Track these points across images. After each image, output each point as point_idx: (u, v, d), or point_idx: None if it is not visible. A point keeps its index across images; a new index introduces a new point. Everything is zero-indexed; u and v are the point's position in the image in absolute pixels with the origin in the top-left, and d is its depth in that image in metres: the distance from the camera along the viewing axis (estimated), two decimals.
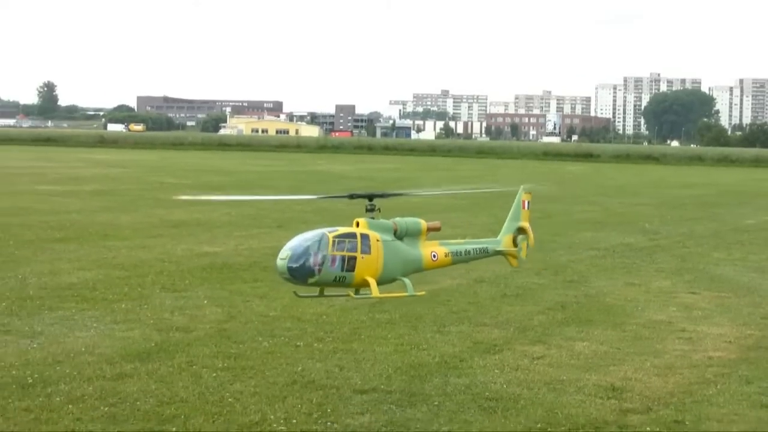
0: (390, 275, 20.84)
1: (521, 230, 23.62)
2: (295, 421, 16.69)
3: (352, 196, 21.25)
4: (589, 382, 19.83)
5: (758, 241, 46.61)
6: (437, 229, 22.10)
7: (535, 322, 25.75)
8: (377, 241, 20.32)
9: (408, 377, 19.77)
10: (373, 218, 20.38)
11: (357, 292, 20.67)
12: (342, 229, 20.22)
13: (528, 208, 23.36)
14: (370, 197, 20.98)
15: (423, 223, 21.46)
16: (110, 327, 23.49)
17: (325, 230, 20.11)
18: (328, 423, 16.67)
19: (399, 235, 20.51)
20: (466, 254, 22.86)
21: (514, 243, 23.38)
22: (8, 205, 53.16)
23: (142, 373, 19.41)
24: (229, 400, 17.78)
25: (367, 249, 20.17)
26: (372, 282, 20.06)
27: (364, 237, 20.13)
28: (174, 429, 16.10)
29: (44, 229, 42.01)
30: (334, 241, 19.62)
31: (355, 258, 19.95)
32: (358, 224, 20.49)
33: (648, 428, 16.93)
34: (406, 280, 20.80)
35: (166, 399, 17.70)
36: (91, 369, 19.57)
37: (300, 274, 19.26)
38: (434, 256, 21.70)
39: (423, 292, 20.97)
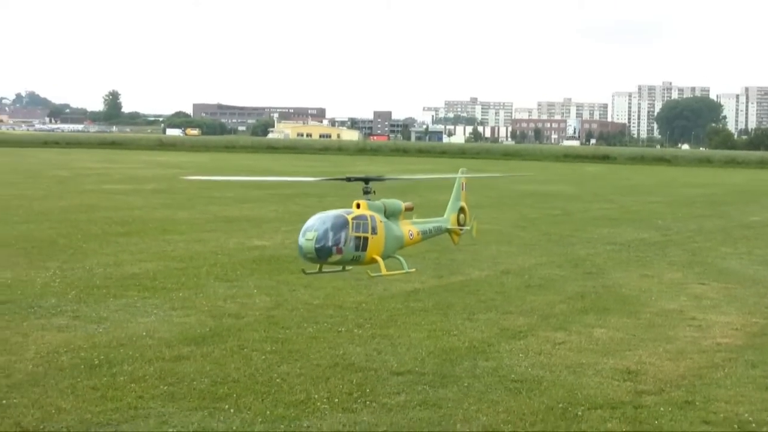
0: (387, 253, 20.87)
1: (461, 210, 23.87)
2: (336, 400, 16.68)
3: (349, 179, 21.27)
4: (606, 366, 19.77)
5: (763, 237, 46.39)
6: (411, 209, 22.24)
7: (557, 310, 25.68)
8: (380, 222, 20.32)
9: (440, 360, 19.74)
10: (369, 200, 20.43)
11: (344, 269, 20.72)
12: (357, 211, 20.22)
13: (464, 189, 23.63)
14: (366, 180, 21.01)
15: (402, 204, 21.54)
16: (169, 313, 23.56)
17: (341, 211, 20.10)
18: (367, 402, 16.65)
19: (386, 215, 20.59)
20: (429, 232, 23.06)
21: (458, 222, 23.56)
22: (77, 203, 53.38)
23: (198, 355, 19.45)
24: (277, 380, 17.80)
25: (375, 230, 20.19)
26: (380, 260, 20.08)
27: (372, 218, 20.14)
28: (227, 406, 16.12)
29: (109, 224, 42.14)
30: (352, 223, 19.63)
31: (367, 238, 19.94)
32: (358, 206, 20.49)
33: (661, 408, 16.85)
34: (401, 258, 20.83)
35: (220, 379, 17.73)
36: (152, 351, 19.63)
37: (324, 253, 19.27)
38: (411, 234, 21.80)
39: (414, 269, 21.04)
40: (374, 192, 20.84)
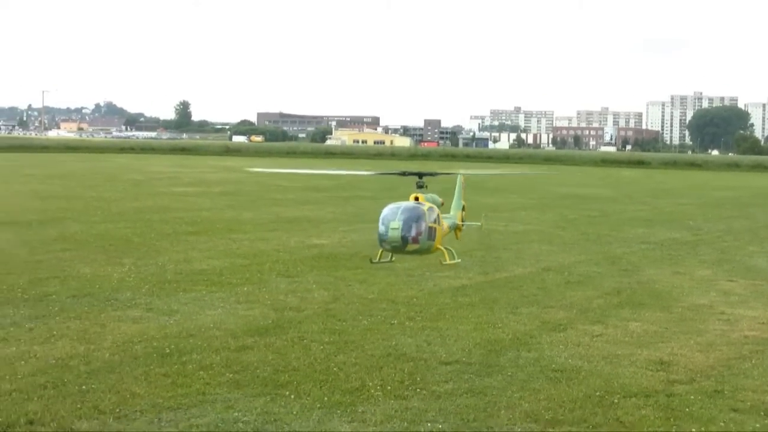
0: (441, 243, 20.84)
1: (463, 208, 23.85)
2: (389, 387, 16.67)
3: (404, 173, 21.25)
4: (641, 357, 19.66)
5: None
6: (443, 205, 22.30)
7: (595, 305, 25.57)
8: (439, 214, 20.24)
9: (485, 351, 19.69)
10: (424, 194, 20.42)
11: (391, 259, 20.79)
12: (426, 203, 20.19)
13: (464, 190, 23.70)
14: (420, 175, 20.96)
15: (440, 199, 21.50)
16: (234, 306, 23.63)
17: (415, 203, 20.06)
18: (418, 389, 16.63)
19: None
20: (449, 228, 23.01)
21: (461, 218, 23.51)
22: (150, 204, 53.69)
23: (261, 345, 19.49)
24: (334, 369, 17.80)
25: (438, 221, 20.10)
26: (444, 250, 20.06)
27: (437, 210, 20.10)
28: (287, 393, 16.13)
29: (179, 224, 42.34)
30: (428, 213, 19.61)
31: (436, 229, 19.88)
32: (417, 199, 20.44)
33: (692, 397, 16.74)
34: (452, 250, 20.75)
35: (281, 368, 17.76)
36: (218, 342, 19.70)
37: (406, 242, 19.29)
38: (449, 227, 21.78)
39: (460, 260, 21.01)
40: (426, 186, 20.83)
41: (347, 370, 17.79)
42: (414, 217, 19.71)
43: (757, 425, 15.35)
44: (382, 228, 19.70)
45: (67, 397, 15.61)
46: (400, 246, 19.70)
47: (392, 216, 19.66)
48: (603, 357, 19.61)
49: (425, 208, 20.00)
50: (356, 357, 18.82)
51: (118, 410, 14.98)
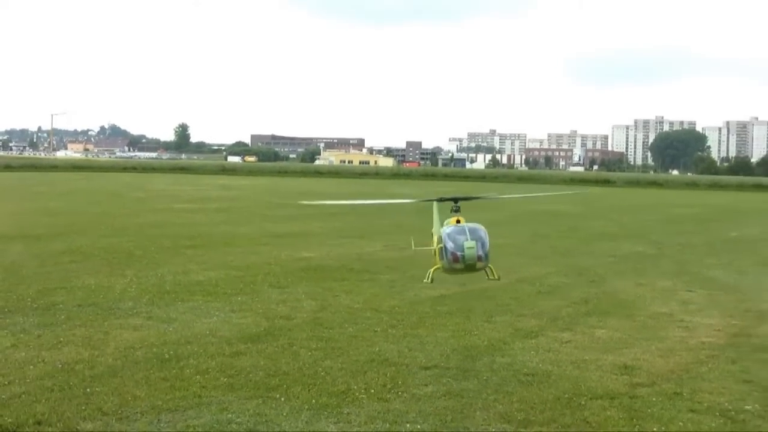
0: None
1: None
2: (373, 390, 16.65)
3: (441, 199, 21.28)
4: (606, 362, 19.68)
5: (742, 250, 46.15)
6: None
7: (564, 313, 25.60)
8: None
9: (462, 357, 19.69)
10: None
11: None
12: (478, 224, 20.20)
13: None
14: (455, 200, 20.95)
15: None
16: (229, 315, 23.58)
17: (476, 225, 20.08)
18: (399, 392, 16.62)
19: None
20: None
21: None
22: (151, 220, 53.61)
23: (253, 351, 19.46)
24: (321, 373, 17.77)
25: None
26: (491, 267, 20.08)
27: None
28: (278, 395, 16.11)
29: (178, 239, 42.27)
30: (487, 234, 19.65)
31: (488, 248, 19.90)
32: (458, 221, 20.43)
33: (653, 398, 16.77)
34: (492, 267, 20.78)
35: (272, 372, 17.73)
36: (214, 348, 19.65)
37: (481, 260, 19.31)
38: None
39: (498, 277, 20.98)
40: (460, 210, 20.85)
41: (333, 374, 17.77)
42: (483, 237, 19.76)
43: (713, 425, 15.39)
44: (453, 248, 19.66)
45: (73, 399, 15.57)
46: (474, 264, 19.72)
47: (464, 236, 19.67)
48: (571, 362, 19.62)
49: (484, 228, 20.07)
50: (342, 362, 18.80)
51: (120, 412, 14.95)
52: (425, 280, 21.04)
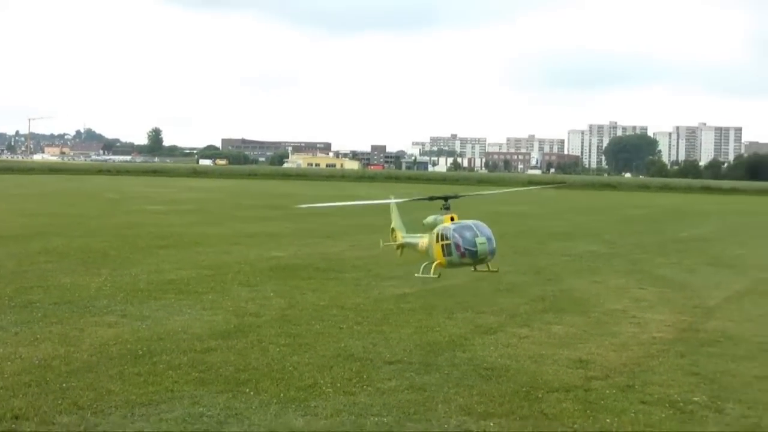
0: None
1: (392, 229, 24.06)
2: (339, 384, 16.65)
3: (431, 198, 21.38)
4: (562, 356, 19.75)
5: (691, 249, 46.43)
6: None
7: (522, 310, 25.67)
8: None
9: (425, 352, 19.72)
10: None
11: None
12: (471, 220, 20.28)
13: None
14: (446, 198, 21.00)
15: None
16: (200, 312, 23.51)
17: (477, 221, 20.17)
18: (364, 386, 16.62)
19: None
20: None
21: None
22: (125, 221, 53.35)
23: (224, 347, 19.41)
24: (290, 368, 17.75)
25: None
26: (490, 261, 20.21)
27: None
28: (248, 390, 16.08)
29: (151, 239, 42.10)
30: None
31: None
32: (453, 219, 20.48)
33: (606, 391, 16.85)
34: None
35: (242, 367, 17.69)
36: (186, 344, 19.59)
37: (492, 254, 19.44)
38: None
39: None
40: (449, 208, 20.94)
41: (301, 369, 17.74)
42: (490, 233, 19.88)
43: (663, 415, 15.48)
44: (464, 243, 19.66)
45: (49, 394, 15.49)
46: (485, 258, 19.81)
47: (472, 233, 19.74)
48: (529, 357, 19.68)
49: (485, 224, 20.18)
50: (309, 357, 18.77)
51: (95, 406, 14.88)
52: (426, 275, 21.02)
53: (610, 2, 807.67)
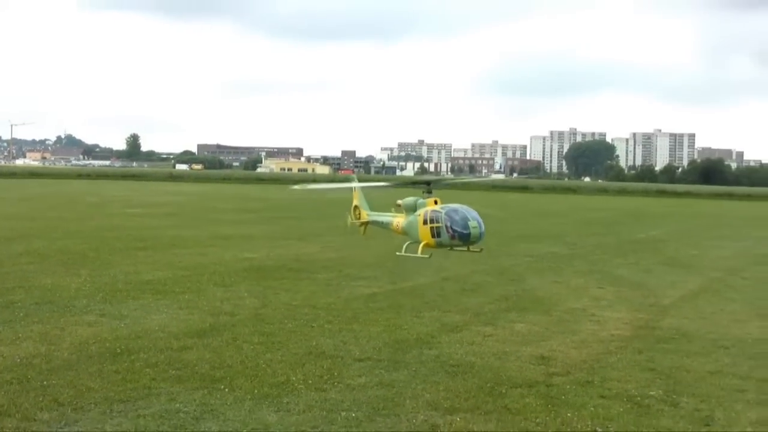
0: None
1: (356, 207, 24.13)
2: (310, 381, 16.62)
3: (414, 183, 21.50)
4: (525, 353, 19.80)
5: (647, 250, 46.67)
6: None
7: (486, 309, 25.70)
8: None
9: (393, 350, 19.70)
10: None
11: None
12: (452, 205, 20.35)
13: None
14: (428, 183, 21.07)
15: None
16: (176, 312, 23.42)
17: (464, 205, 20.23)
18: (335, 383, 16.60)
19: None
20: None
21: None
22: (105, 223, 53.06)
23: (200, 346, 19.34)
24: (263, 365, 17.71)
25: None
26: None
27: None
28: (222, 386, 16.03)
29: (130, 241, 41.90)
30: None
31: None
32: (436, 202, 20.53)
33: (567, 386, 16.91)
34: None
35: (217, 365, 17.63)
36: (163, 342, 19.51)
37: (482, 236, 19.52)
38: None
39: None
40: (431, 192, 21.02)
41: (274, 366, 17.70)
42: (478, 216, 19.95)
43: (621, 409, 15.55)
44: (455, 226, 19.68)
45: (31, 391, 15.40)
46: (477, 240, 19.86)
47: (463, 217, 19.80)
48: (493, 354, 19.71)
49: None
50: (282, 355, 18.73)
51: (75, 402, 14.80)
52: (412, 254, 21.02)
53: (570, 16, 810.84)
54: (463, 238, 19.75)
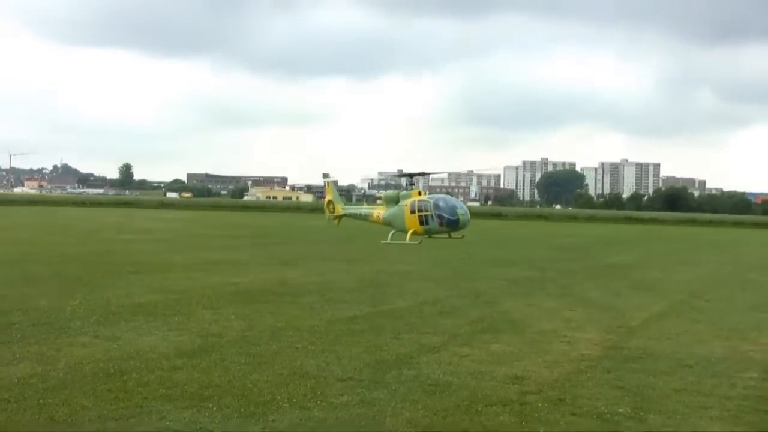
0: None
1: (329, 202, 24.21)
2: (295, 400, 16.56)
3: (401, 175, 21.75)
4: (500, 373, 19.77)
5: (615, 274, 46.75)
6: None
7: (463, 331, 25.67)
8: None
9: (374, 370, 19.64)
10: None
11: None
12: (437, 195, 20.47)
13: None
14: (411, 176, 21.22)
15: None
16: (167, 333, 23.31)
17: (446, 195, 20.35)
18: (318, 401, 16.54)
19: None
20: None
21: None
22: (99, 249, 52.90)
23: (189, 366, 19.25)
24: (249, 385, 17.63)
25: None
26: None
27: None
28: (211, 405, 15.95)
29: (123, 265, 41.75)
30: None
31: None
32: (420, 194, 20.61)
33: (540, 404, 16.88)
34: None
35: (205, 384, 17.55)
36: (154, 363, 19.41)
37: (468, 223, 19.61)
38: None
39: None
40: (414, 185, 21.16)
41: (260, 386, 17.63)
42: (463, 205, 20.10)
43: (591, 425, 15.57)
44: (445, 214, 19.77)
45: (27, 409, 15.31)
46: (464, 227, 20.01)
47: (453, 205, 19.97)
48: (470, 373, 19.68)
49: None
50: (267, 375, 18.67)
51: (70, 420, 14.73)
52: (400, 241, 21.08)
53: (543, 54, 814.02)
54: (452, 224, 19.95)
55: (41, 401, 15.87)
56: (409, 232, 20.76)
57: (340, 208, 24.14)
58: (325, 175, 25.18)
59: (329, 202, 23.84)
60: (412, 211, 21.01)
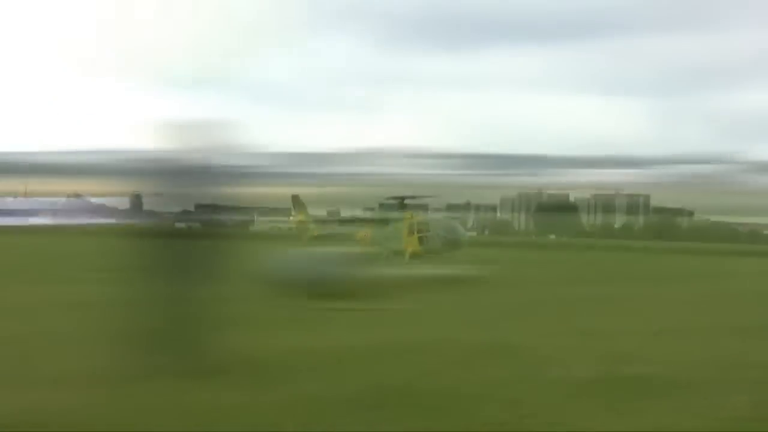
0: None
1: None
2: None
3: (394, 198, 21.62)
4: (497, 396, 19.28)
5: (611, 301, 46.18)
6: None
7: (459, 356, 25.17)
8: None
9: None
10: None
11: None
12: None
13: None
14: (403, 198, 21.16)
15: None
16: None
17: (441, 218, 20.19)
18: None
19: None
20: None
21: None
22: None
23: None
24: None
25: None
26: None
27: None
28: None
29: None
30: None
31: None
32: (411, 216, 20.49)
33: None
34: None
35: None
36: None
37: (466, 244, 19.56)
38: None
39: None
40: (406, 206, 21.16)
41: None
42: (460, 225, 19.99)
43: None
44: (447, 234, 19.67)
45: None
46: (465, 245, 19.91)
47: (452, 225, 19.92)
48: (467, 398, 19.16)
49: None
50: None
51: None
52: (400, 262, 20.81)
53: (536, 93, 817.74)
54: (454, 244, 19.79)
55: None
56: (407, 252, 20.68)
57: (312, 227, 24.11)
58: (295, 197, 25.08)
59: (301, 221, 23.76)
60: (411, 232, 20.87)
